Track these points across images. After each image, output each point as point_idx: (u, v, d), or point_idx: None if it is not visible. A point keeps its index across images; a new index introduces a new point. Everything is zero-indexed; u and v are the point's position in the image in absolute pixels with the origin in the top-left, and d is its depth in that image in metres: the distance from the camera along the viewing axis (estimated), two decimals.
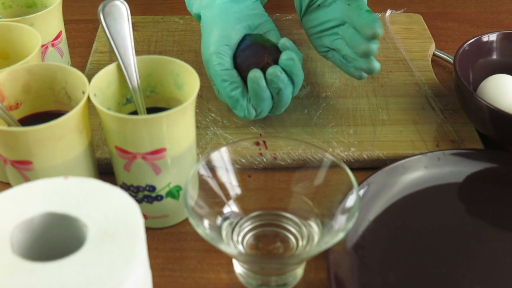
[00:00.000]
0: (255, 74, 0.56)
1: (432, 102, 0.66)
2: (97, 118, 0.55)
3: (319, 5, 0.61)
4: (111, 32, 0.51)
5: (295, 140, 0.56)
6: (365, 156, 0.59)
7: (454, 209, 0.54)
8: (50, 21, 0.61)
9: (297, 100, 0.65)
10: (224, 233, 0.48)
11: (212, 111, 0.64)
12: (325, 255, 0.48)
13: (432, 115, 0.64)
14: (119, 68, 0.51)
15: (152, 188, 0.50)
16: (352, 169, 0.49)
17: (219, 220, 0.49)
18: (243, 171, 0.51)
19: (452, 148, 0.60)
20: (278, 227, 0.50)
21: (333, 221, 0.47)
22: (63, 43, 0.64)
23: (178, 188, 0.51)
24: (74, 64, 0.70)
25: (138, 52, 0.59)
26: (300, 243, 0.49)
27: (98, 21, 0.72)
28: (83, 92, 0.48)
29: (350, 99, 0.66)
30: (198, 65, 0.70)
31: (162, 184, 0.50)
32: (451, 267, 0.49)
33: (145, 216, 0.52)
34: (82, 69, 0.68)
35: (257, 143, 0.55)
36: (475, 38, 0.64)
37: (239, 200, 0.51)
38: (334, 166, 0.48)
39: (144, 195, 0.50)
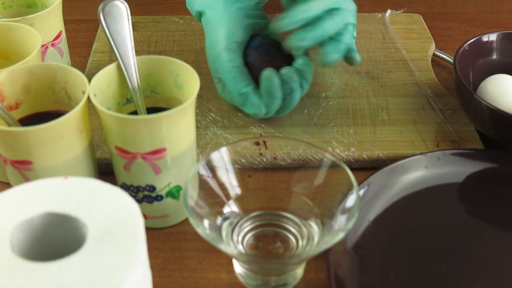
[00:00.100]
0: (270, 73, 0.57)
1: (432, 102, 0.66)
2: (97, 118, 0.55)
3: None
4: (111, 32, 0.51)
5: (295, 140, 0.56)
6: (365, 156, 0.59)
7: (454, 209, 0.54)
8: (50, 21, 0.61)
9: None
10: (224, 233, 0.48)
11: (212, 111, 0.64)
12: (325, 255, 0.48)
13: (432, 115, 0.64)
14: (119, 68, 0.51)
15: (152, 188, 0.50)
16: (352, 169, 0.49)
17: (219, 220, 0.49)
18: (243, 171, 0.51)
19: (452, 148, 0.60)
20: (278, 227, 0.50)
21: (333, 221, 0.47)
22: (63, 43, 0.64)
23: (178, 188, 0.51)
24: (74, 64, 0.70)
25: (138, 52, 0.59)
26: (300, 243, 0.49)
27: (98, 21, 0.72)
28: (83, 92, 0.48)
29: (350, 99, 0.66)
30: (198, 65, 0.71)
31: (162, 184, 0.50)
32: (451, 267, 0.49)
33: (145, 216, 0.52)
34: (82, 69, 0.68)
35: (257, 143, 0.55)
36: (475, 38, 0.64)
37: (239, 200, 0.51)
38: (334, 166, 0.48)
39: (144, 195, 0.50)
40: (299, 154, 0.55)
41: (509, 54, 0.66)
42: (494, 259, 0.50)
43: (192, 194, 0.46)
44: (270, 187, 0.52)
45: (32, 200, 0.38)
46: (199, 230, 0.43)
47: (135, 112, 0.53)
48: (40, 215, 0.38)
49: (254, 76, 0.60)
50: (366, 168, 0.59)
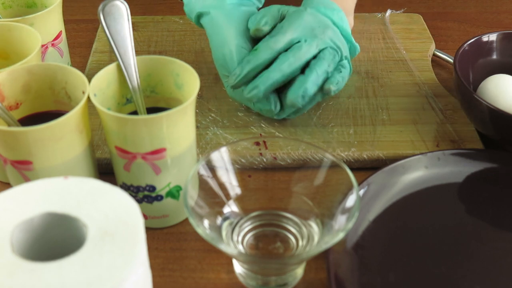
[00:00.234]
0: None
1: (432, 102, 0.66)
2: (97, 118, 0.55)
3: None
4: (111, 32, 0.51)
5: (295, 140, 0.56)
6: (365, 156, 0.59)
7: (454, 209, 0.54)
8: (50, 21, 0.61)
9: None
10: (224, 233, 0.48)
11: (212, 111, 0.64)
12: (325, 255, 0.48)
13: (432, 115, 0.64)
14: (119, 68, 0.51)
15: (152, 188, 0.50)
16: (352, 169, 0.49)
17: (219, 220, 0.49)
18: (243, 171, 0.51)
19: (452, 148, 0.60)
20: (278, 227, 0.50)
21: (333, 221, 0.47)
22: (63, 43, 0.64)
23: (178, 188, 0.51)
24: (74, 64, 0.70)
25: (138, 52, 0.59)
26: (300, 243, 0.49)
27: (98, 21, 0.72)
28: (83, 92, 0.48)
29: (350, 99, 0.66)
30: (198, 65, 0.71)
31: (162, 184, 0.50)
32: (451, 267, 0.49)
33: (145, 216, 0.52)
34: (82, 69, 0.68)
35: (257, 143, 0.55)
36: (475, 38, 0.64)
37: (239, 200, 0.51)
38: (334, 166, 0.48)
39: (144, 195, 0.50)
40: (299, 154, 0.55)
41: (509, 54, 0.66)
42: (494, 259, 0.50)
43: (192, 194, 0.46)
44: (270, 187, 0.52)
45: (32, 200, 0.38)
46: (199, 230, 0.43)
47: (135, 112, 0.53)
48: (40, 215, 0.38)
49: None
50: (366, 168, 0.59)
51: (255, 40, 0.61)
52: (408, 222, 0.53)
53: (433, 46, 0.75)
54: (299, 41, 0.58)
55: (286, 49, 0.58)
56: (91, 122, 0.51)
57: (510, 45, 0.66)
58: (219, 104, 0.65)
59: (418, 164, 0.57)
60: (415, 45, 0.75)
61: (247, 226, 0.50)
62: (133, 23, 0.75)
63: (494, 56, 0.66)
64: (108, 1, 0.51)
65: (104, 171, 0.56)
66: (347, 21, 0.63)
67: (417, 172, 0.56)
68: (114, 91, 0.51)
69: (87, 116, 0.49)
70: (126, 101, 0.53)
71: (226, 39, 0.60)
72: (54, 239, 0.39)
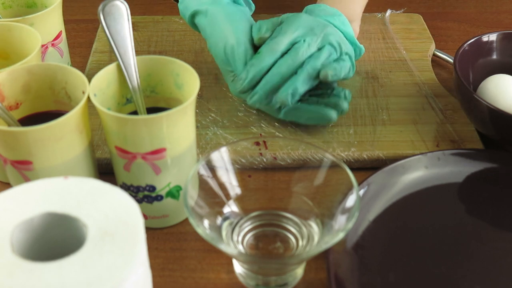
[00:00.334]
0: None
1: (432, 102, 0.66)
2: (97, 118, 0.55)
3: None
4: (111, 32, 0.51)
5: (295, 140, 0.56)
6: (365, 156, 0.59)
7: (454, 209, 0.54)
8: (50, 21, 0.61)
9: None
10: (224, 233, 0.48)
11: (212, 111, 0.64)
12: (325, 255, 0.48)
13: (432, 115, 0.64)
14: (119, 68, 0.51)
15: (152, 188, 0.50)
16: (352, 169, 0.49)
17: (219, 220, 0.49)
18: (243, 171, 0.51)
19: (452, 148, 0.60)
20: (278, 227, 0.50)
21: (333, 221, 0.47)
22: (63, 43, 0.64)
23: (178, 188, 0.51)
24: (74, 64, 0.70)
25: (138, 52, 0.59)
26: (300, 243, 0.49)
27: (98, 21, 0.72)
28: (83, 92, 0.48)
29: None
30: (198, 65, 0.71)
31: (162, 184, 0.50)
32: (451, 267, 0.49)
33: (145, 216, 0.52)
34: (82, 69, 0.68)
35: (257, 143, 0.55)
36: (475, 38, 0.64)
37: (239, 200, 0.51)
38: (334, 166, 0.48)
39: (144, 195, 0.50)
40: (299, 154, 0.55)
41: (509, 54, 0.66)
42: (494, 259, 0.50)
43: (192, 194, 0.46)
44: (270, 187, 0.52)
45: (32, 200, 0.38)
46: (199, 230, 0.43)
47: (135, 112, 0.53)
48: (40, 215, 0.38)
49: None
50: (366, 168, 0.59)
51: (252, 41, 0.61)
52: (408, 222, 0.53)
53: (433, 46, 0.75)
54: (299, 41, 0.58)
55: (288, 49, 0.59)
56: (91, 122, 0.51)
57: (510, 45, 0.66)
58: (219, 104, 0.65)
59: (418, 164, 0.57)
60: (415, 45, 0.75)
61: (247, 226, 0.50)
62: (133, 23, 0.75)
63: (494, 56, 0.66)
64: (108, 1, 0.51)
65: (104, 171, 0.56)
66: (349, 25, 0.63)
67: (417, 172, 0.56)
68: (114, 91, 0.51)
69: (87, 116, 0.49)
70: (126, 101, 0.53)
71: (226, 34, 0.60)
72: (54, 239, 0.39)
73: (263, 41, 0.60)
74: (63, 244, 0.39)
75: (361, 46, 0.63)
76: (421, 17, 0.81)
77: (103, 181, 0.40)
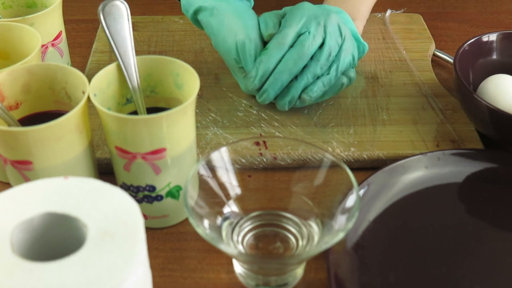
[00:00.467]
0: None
1: (432, 102, 0.66)
2: (97, 118, 0.55)
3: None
4: (111, 32, 0.51)
5: (295, 140, 0.56)
6: (365, 156, 0.59)
7: (454, 209, 0.54)
8: (50, 21, 0.61)
9: None
10: (224, 233, 0.48)
11: (212, 111, 0.64)
12: (325, 255, 0.48)
13: (432, 115, 0.64)
14: (119, 68, 0.51)
15: (152, 188, 0.50)
16: (352, 169, 0.49)
17: (219, 220, 0.49)
18: (243, 171, 0.51)
19: (452, 148, 0.60)
20: (278, 227, 0.50)
21: (333, 221, 0.47)
22: (63, 43, 0.64)
23: (178, 188, 0.51)
24: (74, 64, 0.70)
25: (138, 52, 0.59)
26: (300, 243, 0.49)
27: (98, 21, 0.72)
28: (83, 92, 0.48)
29: (350, 99, 0.66)
30: (198, 65, 0.71)
31: (162, 184, 0.50)
32: (451, 267, 0.49)
33: (145, 216, 0.52)
34: (82, 69, 0.68)
35: (257, 143, 0.55)
36: (475, 38, 0.64)
37: (239, 200, 0.51)
38: (334, 166, 0.48)
39: (144, 195, 0.50)
40: (299, 154, 0.55)
41: (509, 54, 0.66)
42: (494, 259, 0.50)
43: (192, 194, 0.46)
44: (270, 187, 0.52)
45: (32, 200, 0.38)
46: (199, 230, 0.43)
47: (135, 112, 0.53)
48: (40, 215, 0.38)
49: None
50: (366, 168, 0.59)
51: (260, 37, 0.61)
52: (408, 222, 0.53)
53: (433, 46, 0.75)
54: (304, 33, 0.59)
55: (294, 41, 0.59)
56: (91, 122, 0.51)
57: (510, 45, 0.66)
58: (219, 104, 0.65)
59: (418, 164, 0.57)
60: (415, 45, 0.75)
61: (247, 226, 0.50)
62: (133, 23, 0.75)
63: (494, 56, 0.66)
64: (108, 1, 0.51)
65: (104, 171, 0.56)
66: (352, 22, 0.63)
67: (417, 172, 0.56)
68: (114, 91, 0.51)
69: (87, 116, 0.49)
70: (126, 101, 0.53)
71: (236, 31, 0.60)
72: (54, 239, 0.39)
73: (272, 37, 0.60)
74: (63, 244, 0.39)
75: (365, 43, 0.63)
76: (421, 17, 0.81)
77: (103, 181, 0.40)
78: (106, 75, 0.50)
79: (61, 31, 0.63)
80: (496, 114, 0.55)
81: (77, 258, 0.35)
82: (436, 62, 0.75)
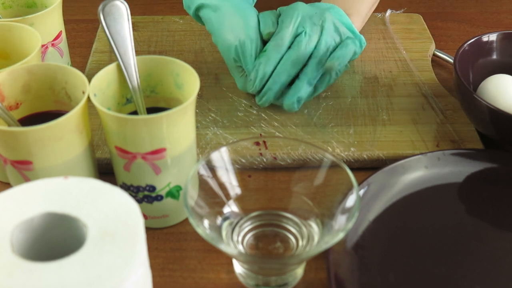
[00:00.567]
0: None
1: (432, 102, 0.66)
2: (97, 118, 0.55)
3: None
4: (111, 32, 0.51)
5: (295, 140, 0.56)
6: (365, 156, 0.59)
7: (454, 209, 0.54)
8: (50, 21, 0.61)
9: None
10: (224, 233, 0.48)
11: (212, 111, 0.64)
12: (325, 255, 0.48)
13: (432, 115, 0.64)
14: (119, 68, 0.51)
15: (152, 188, 0.50)
16: (352, 169, 0.49)
17: (219, 220, 0.49)
18: (243, 171, 0.51)
19: (452, 148, 0.60)
20: (278, 227, 0.50)
21: (333, 221, 0.47)
22: (63, 43, 0.64)
23: (178, 188, 0.51)
24: (74, 64, 0.70)
25: (138, 52, 0.59)
26: (300, 243, 0.49)
27: (98, 21, 0.72)
28: (83, 92, 0.48)
29: (350, 99, 0.66)
30: (198, 65, 0.71)
31: (162, 184, 0.50)
32: (451, 267, 0.49)
33: (145, 216, 0.52)
34: (82, 69, 0.68)
35: (257, 143, 0.55)
36: (475, 38, 0.64)
37: (239, 200, 0.51)
38: (334, 166, 0.48)
39: (144, 195, 0.50)
40: (299, 154, 0.55)
41: (509, 54, 0.66)
42: (494, 259, 0.50)
43: (192, 194, 0.46)
44: (270, 187, 0.52)
45: (32, 200, 0.38)
46: (199, 230, 0.43)
47: (135, 112, 0.53)
48: (40, 215, 0.38)
49: None
50: (366, 168, 0.59)
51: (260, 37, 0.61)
52: (408, 222, 0.53)
53: (433, 46, 0.75)
54: (301, 33, 0.59)
55: (292, 42, 0.60)
56: (91, 122, 0.51)
57: (510, 45, 0.66)
58: (219, 104, 0.65)
59: (418, 164, 0.57)
60: (415, 45, 0.75)
61: (247, 226, 0.50)
62: (133, 23, 0.75)
63: (494, 56, 0.66)
64: (108, 1, 0.51)
65: (104, 171, 0.56)
66: (347, 16, 0.63)
67: (417, 172, 0.56)
68: (114, 91, 0.51)
69: (87, 116, 0.49)
70: (126, 101, 0.53)
71: (237, 30, 0.60)
72: (54, 239, 0.39)
73: (271, 35, 0.61)
74: (63, 244, 0.39)
75: (361, 36, 0.63)
76: (421, 17, 0.81)
77: (103, 181, 0.40)
78: (106, 75, 0.50)
79: (61, 31, 0.63)
80: (496, 114, 0.55)
81: (77, 258, 0.35)
82: (436, 62, 0.75)
